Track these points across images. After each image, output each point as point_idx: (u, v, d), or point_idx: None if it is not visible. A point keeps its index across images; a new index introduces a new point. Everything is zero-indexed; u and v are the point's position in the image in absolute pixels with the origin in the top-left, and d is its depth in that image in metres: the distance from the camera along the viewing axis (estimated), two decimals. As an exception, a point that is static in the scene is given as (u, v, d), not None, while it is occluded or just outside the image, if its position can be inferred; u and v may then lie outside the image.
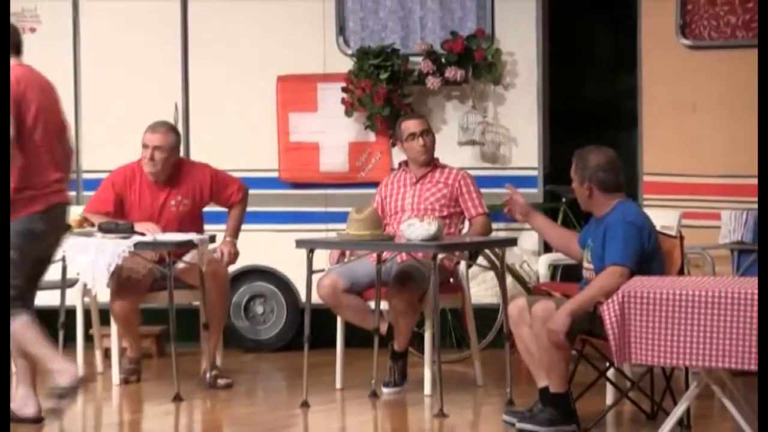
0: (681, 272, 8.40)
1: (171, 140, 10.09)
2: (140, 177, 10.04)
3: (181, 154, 10.45)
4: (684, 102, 10.83)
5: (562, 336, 7.95)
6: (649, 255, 8.11)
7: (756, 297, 6.86)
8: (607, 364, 8.40)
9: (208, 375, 9.81)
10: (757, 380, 7.19)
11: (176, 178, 10.07)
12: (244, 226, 10.10)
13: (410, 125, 9.99)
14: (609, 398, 8.71)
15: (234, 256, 9.97)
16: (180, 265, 9.77)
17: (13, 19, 11.60)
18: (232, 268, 10.18)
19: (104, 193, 10.05)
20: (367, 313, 9.66)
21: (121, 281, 9.78)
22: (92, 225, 9.94)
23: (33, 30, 11.61)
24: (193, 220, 10.04)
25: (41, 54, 11.47)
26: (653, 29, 10.96)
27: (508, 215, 8.89)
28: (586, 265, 8.34)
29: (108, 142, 11.32)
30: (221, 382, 9.80)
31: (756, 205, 10.01)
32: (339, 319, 9.75)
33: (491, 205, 10.20)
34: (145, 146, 9.96)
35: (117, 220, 9.81)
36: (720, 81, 10.62)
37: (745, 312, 6.91)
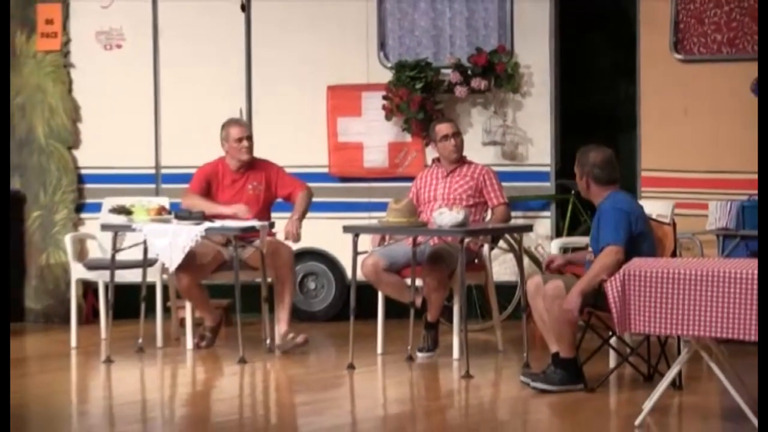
0: (674, 254, 8.44)
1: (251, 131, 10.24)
2: (223, 168, 10.08)
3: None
4: (676, 108, 10.81)
5: (575, 313, 8.06)
6: (639, 235, 8.17)
7: (739, 276, 6.87)
8: (610, 333, 8.42)
9: (280, 339, 9.81)
10: (739, 347, 7.22)
11: (250, 168, 10.10)
12: (301, 215, 10.14)
13: (443, 128, 10.01)
14: (611, 362, 8.72)
15: (297, 235, 9.94)
16: (245, 249, 9.79)
17: (102, 38, 11.73)
18: (289, 250, 10.21)
19: (196, 181, 10.07)
20: (404, 288, 9.68)
21: (189, 262, 9.77)
22: (169, 213, 9.98)
23: (119, 46, 11.66)
24: (265, 206, 10.08)
25: (126, 67, 11.63)
26: (650, 45, 10.94)
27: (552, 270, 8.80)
28: (589, 251, 8.41)
29: (182, 142, 11.37)
30: (299, 340, 9.79)
31: (739, 198, 10.05)
32: (380, 294, 9.78)
33: (510, 197, 10.20)
34: (239, 139, 10.00)
35: (209, 200, 9.92)
36: (707, 90, 10.60)
37: (729, 288, 6.91)
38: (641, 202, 9.85)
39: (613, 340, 8.57)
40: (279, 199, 10.23)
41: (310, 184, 10.65)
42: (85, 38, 11.71)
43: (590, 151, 8.43)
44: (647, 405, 7.40)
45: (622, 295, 7.17)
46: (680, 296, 7.03)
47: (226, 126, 10.12)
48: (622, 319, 7.22)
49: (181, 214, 9.80)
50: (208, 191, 10.03)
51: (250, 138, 10.08)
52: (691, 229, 10.11)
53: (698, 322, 7.00)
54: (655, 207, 9.52)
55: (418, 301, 9.67)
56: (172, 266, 9.67)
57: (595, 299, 7.97)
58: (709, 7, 10.75)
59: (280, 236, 9.96)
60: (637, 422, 7.32)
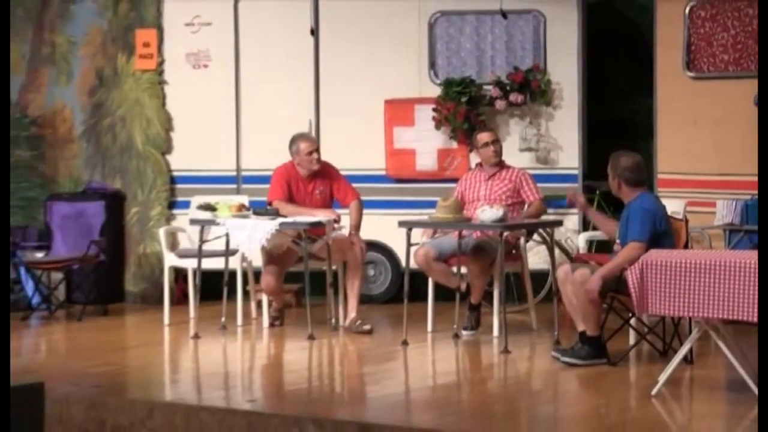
0: (686, 246, 8.41)
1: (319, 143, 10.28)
2: (295, 174, 10.07)
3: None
4: (688, 119, 10.75)
5: (595, 294, 8.05)
6: (662, 233, 8.14)
7: (742, 265, 6.83)
8: (630, 314, 8.38)
9: (348, 322, 9.81)
10: (742, 327, 7.17)
11: (317, 174, 10.10)
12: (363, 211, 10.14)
13: (484, 137, 9.98)
14: (631, 340, 8.68)
15: (363, 248, 9.94)
16: (315, 243, 9.80)
17: (191, 58, 11.78)
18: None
19: (279, 187, 10.01)
20: (450, 275, 9.67)
21: (271, 258, 9.82)
22: (248, 209, 10.01)
23: (206, 66, 11.69)
24: (329, 206, 10.08)
25: (212, 83, 11.68)
26: (665, 64, 10.89)
27: (569, 206, 8.90)
28: (617, 241, 8.37)
29: (260, 148, 11.38)
30: (365, 327, 9.79)
31: (743, 197, 9.99)
32: (430, 280, 9.76)
33: (545, 196, 10.17)
34: (309, 152, 9.98)
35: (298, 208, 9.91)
36: (716, 103, 10.52)
37: (734, 276, 6.87)
38: (657, 200, 9.82)
39: (632, 321, 8.53)
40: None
41: (370, 185, 10.74)
42: (177, 59, 11.76)
43: (622, 156, 8.40)
44: (662, 377, 7.36)
45: (640, 281, 7.14)
46: (691, 282, 6.99)
47: (296, 140, 10.10)
48: (641, 303, 7.19)
49: (259, 210, 9.84)
50: (289, 193, 10.03)
51: (318, 150, 10.09)
52: (701, 225, 10.05)
53: (707, 305, 6.97)
54: (669, 205, 9.44)
55: (463, 286, 9.65)
56: (251, 255, 9.72)
57: (617, 285, 7.96)
58: (717, 31, 10.69)
59: (344, 231, 9.97)
60: (653, 392, 7.29)
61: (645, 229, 8.06)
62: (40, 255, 11.38)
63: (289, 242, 9.82)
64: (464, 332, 9.57)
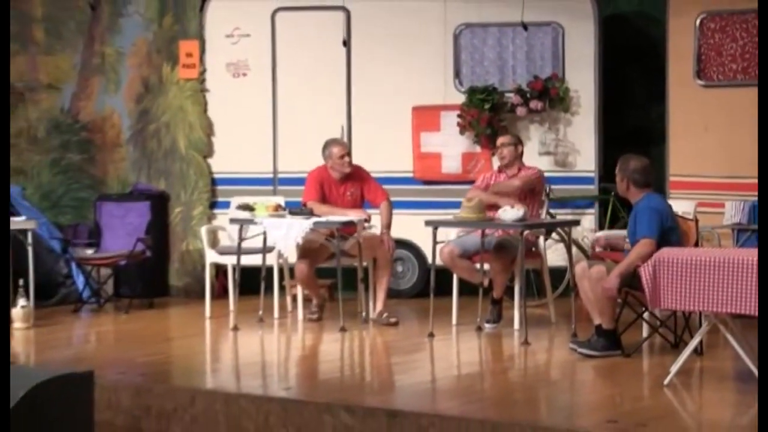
0: (696, 244, 8.37)
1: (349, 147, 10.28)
2: (328, 176, 10.08)
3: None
4: (699, 125, 10.72)
5: (614, 292, 8.05)
6: (669, 229, 8.14)
7: (749, 262, 6.80)
8: (643, 309, 8.36)
9: (376, 315, 9.81)
10: (750, 321, 7.12)
11: (349, 177, 10.11)
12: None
13: (498, 140, 10.03)
14: (644, 332, 8.66)
15: (393, 246, 9.94)
16: (347, 241, 9.81)
17: (231, 68, 11.81)
18: (380, 240, 10.23)
19: (313, 189, 10.02)
20: (474, 271, 9.66)
21: (304, 251, 9.82)
22: (284, 209, 10.03)
23: (245, 75, 11.71)
24: (360, 206, 10.08)
25: (250, 91, 11.71)
26: (677, 73, 10.87)
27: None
28: (626, 241, 8.37)
29: (295, 152, 11.39)
30: (392, 319, 9.80)
31: (750, 198, 9.94)
32: (454, 276, 9.75)
33: (561, 197, 10.16)
34: (341, 156, 9.99)
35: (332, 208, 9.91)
36: (724, 110, 10.49)
37: (741, 272, 6.84)
38: (670, 201, 9.78)
39: (646, 315, 8.50)
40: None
41: (398, 187, 10.75)
42: (218, 68, 11.79)
43: (631, 159, 8.38)
44: (674, 368, 7.34)
45: (653, 277, 7.12)
46: (701, 279, 6.96)
47: (328, 145, 10.10)
48: (654, 297, 7.17)
49: (294, 210, 9.86)
50: (323, 195, 10.04)
51: (349, 154, 10.10)
52: (711, 224, 10.02)
53: (716, 300, 6.94)
54: (681, 206, 9.43)
55: (486, 282, 9.64)
56: (287, 252, 9.73)
57: (631, 281, 7.93)
58: (726, 42, 10.67)
59: (374, 230, 9.98)
60: (665, 382, 7.26)
61: (653, 226, 8.05)
62: (90, 252, 11.43)
63: (323, 240, 9.83)
64: (487, 325, 9.55)
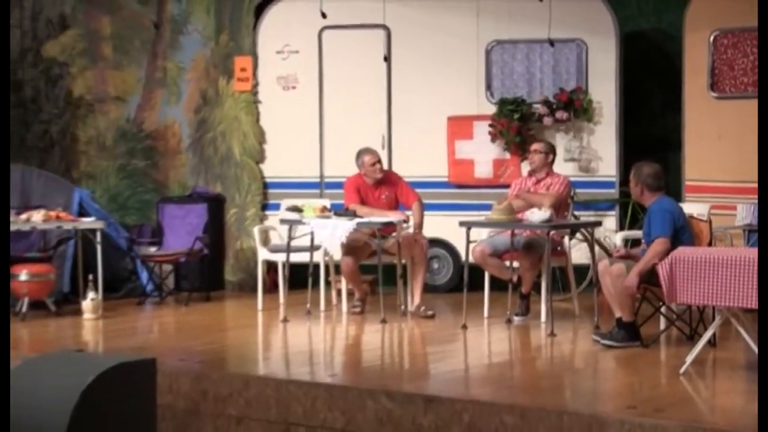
0: (710, 244, 8.33)
1: (380, 155, 10.23)
2: (363, 182, 10.09)
3: (385, 167, 10.51)
4: (712, 133, 10.66)
5: (634, 289, 8.01)
6: (681, 228, 8.12)
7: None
8: (661, 303, 8.32)
9: (414, 308, 9.80)
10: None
11: (382, 182, 10.12)
12: (427, 213, 10.09)
13: (531, 146, 10.01)
14: (662, 325, 8.61)
15: (426, 244, 9.93)
16: (387, 239, 9.80)
17: (281, 81, 11.85)
18: (418, 239, 10.21)
19: (353, 193, 10.04)
20: (504, 269, 9.62)
21: (349, 248, 9.83)
22: (330, 211, 10.04)
23: (294, 88, 11.75)
24: (394, 208, 10.08)
25: (299, 102, 11.74)
26: (692, 86, 10.81)
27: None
28: (642, 241, 8.35)
29: (340, 158, 11.36)
30: (429, 312, 9.79)
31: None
32: (486, 273, 9.74)
33: (584, 200, 10.11)
34: (372, 164, 10.00)
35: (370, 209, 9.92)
36: (736, 120, 10.42)
37: (752, 270, 6.78)
38: (686, 204, 9.77)
39: (663, 309, 8.47)
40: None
41: (434, 190, 10.75)
42: (269, 82, 11.82)
43: (644, 165, 8.37)
44: (689, 358, 7.29)
45: (670, 274, 7.07)
46: (715, 275, 6.92)
47: (360, 155, 10.11)
48: (670, 293, 7.13)
49: (339, 211, 9.87)
50: (361, 198, 10.05)
51: (379, 161, 10.10)
52: (724, 225, 9.94)
53: (728, 295, 6.89)
54: (695, 208, 9.37)
55: (515, 278, 9.61)
56: (332, 250, 9.74)
57: (649, 277, 7.89)
58: (737, 57, 10.61)
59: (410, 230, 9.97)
60: (681, 371, 7.22)
61: (666, 226, 8.04)
62: (153, 249, 11.49)
63: (365, 239, 9.84)
64: (516, 318, 9.53)
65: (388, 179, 10.15)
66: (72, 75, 12.54)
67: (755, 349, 7.09)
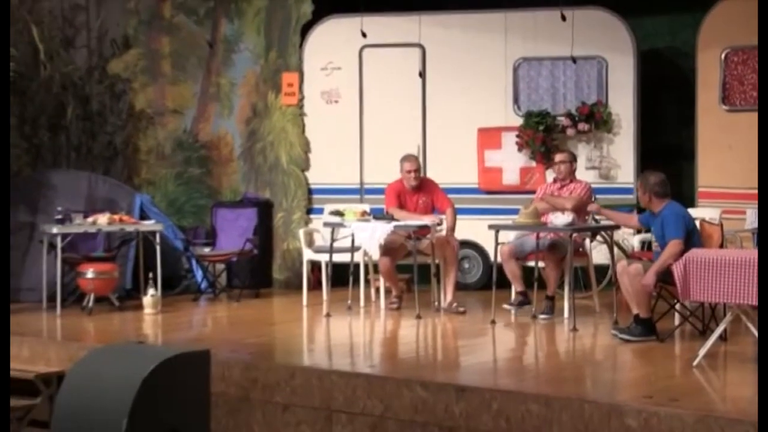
0: (721, 246, 8.26)
1: (420, 164, 10.20)
2: (403, 187, 10.09)
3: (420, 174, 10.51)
4: (723, 144, 10.61)
5: (651, 288, 7.98)
6: (691, 230, 8.11)
7: None
8: (675, 300, 8.27)
9: (446, 305, 9.77)
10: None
11: (420, 187, 10.12)
12: (459, 216, 10.06)
13: (556, 157, 9.95)
14: (676, 321, 8.56)
15: (457, 246, 9.90)
16: (421, 241, 9.80)
17: (325, 95, 11.88)
18: (450, 241, 10.19)
19: (394, 197, 10.02)
20: (517, 278, 9.51)
21: (387, 249, 9.83)
22: (369, 215, 10.04)
23: (336, 101, 11.76)
24: (431, 212, 10.07)
25: (341, 115, 11.76)
26: (705, 99, 10.77)
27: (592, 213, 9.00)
28: (654, 243, 8.30)
29: (378, 166, 11.41)
30: (460, 309, 9.77)
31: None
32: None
33: (604, 205, 10.04)
34: (408, 171, 10.00)
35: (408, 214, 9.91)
36: (746, 131, 10.33)
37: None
38: (699, 209, 9.77)
39: (677, 306, 8.41)
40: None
41: (465, 196, 10.75)
42: (314, 96, 11.85)
43: (650, 175, 8.40)
44: (701, 351, 7.25)
45: (684, 273, 7.04)
46: (726, 275, 6.88)
47: (402, 161, 10.12)
48: (684, 291, 7.09)
49: (378, 215, 9.87)
50: (400, 203, 10.06)
51: (417, 170, 10.09)
52: (734, 228, 9.86)
53: (738, 293, 6.85)
54: (708, 213, 9.35)
55: (522, 289, 9.53)
56: (371, 251, 9.74)
57: (664, 277, 7.85)
58: (747, 73, 10.57)
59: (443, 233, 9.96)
60: (694, 363, 7.18)
61: (679, 229, 8.02)
62: (207, 250, 11.53)
63: (402, 240, 9.85)
64: (541, 315, 9.49)
65: (426, 186, 10.15)
66: (134, 90, 12.62)
67: (763, 343, 7.04)
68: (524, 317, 9.47)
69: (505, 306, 9.46)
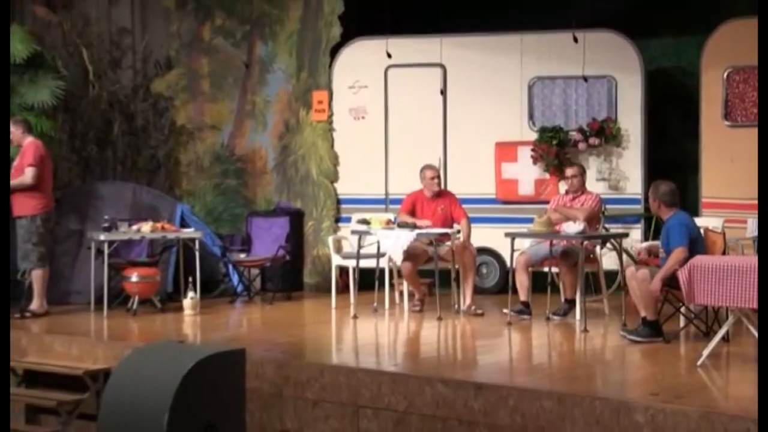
0: (723, 253, 8.22)
1: (439, 172, 10.20)
2: (422, 196, 10.09)
3: (441, 185, 10.50)
4: (726, 157, 10.56)
5: (657, 292, 7.93)
6: (695, 239, 8.05)
7: None
8: (681, 304, 8.22)
9: (465, 308, 9.75)
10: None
11: (439, 196, 10.11)
12: (478, 225, 10.08)
13: (567, 171, 9.92)
14: (681, 323, 8.51)
15: (474, 253, 9.86)
16: (441, 247, 9.79)
17: (353, 112, 11.90)
18: (469, 248, 10.17)
19: (407, 205, 10.05)
20: (524, 288, 9.43)
21: (409, 255, 9.82)
22: (394, 223, 10.03)
23: (363, 118, 11.77)
24: (449, 220, 10.06)
25: (368, 130, 11.76)
26: (708, 115, 10.73)
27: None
28: (660, 250, 8.28)
29: (402, 178, 11.38)
30: (479, 311, 9.76)
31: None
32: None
33: (613, 215, 10.04)
34: (431, 177, 10.00)
35: (414, 218, 9.88)
36: (747, 145, 10.26)
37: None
38: (702, 218, 9.71)
39: (682, 309, 8.37)
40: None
41: (483, 206, 10.74)
42: (342, 112, 11.87)
43: (660, 184, 8.32)
44: (705, 352, 7.20)
45: (689, 278, 7.00)
46: (728, 280, 6.84)
47: (423, 169, 10.14)
48: (689, 295, 7.06)
49: (402, 224, 9.86)
50: (412, 210, 10.06)
51: (438, 177, 10.09)
52: (736, 237, 9.80)
53: (740, 297, 6.81)
54: (711, 222, 9.29)
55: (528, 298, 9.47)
56: (396, 257, 9.74)
57: (670, 282, 7.81)
58: (748, 90, 10.53)
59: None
60: (698, 363, 7.13)
61: (683, 237, 7.97)
62: (242, 256, 11.55)
63: (424, 247, 9.84)
64: (554, 317, 9.45)
65: (446, 195, 10.15)
66: (176, 107, 12.69)
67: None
68: (538, 318, 9.43)
69: (505, 311, 9.42)
